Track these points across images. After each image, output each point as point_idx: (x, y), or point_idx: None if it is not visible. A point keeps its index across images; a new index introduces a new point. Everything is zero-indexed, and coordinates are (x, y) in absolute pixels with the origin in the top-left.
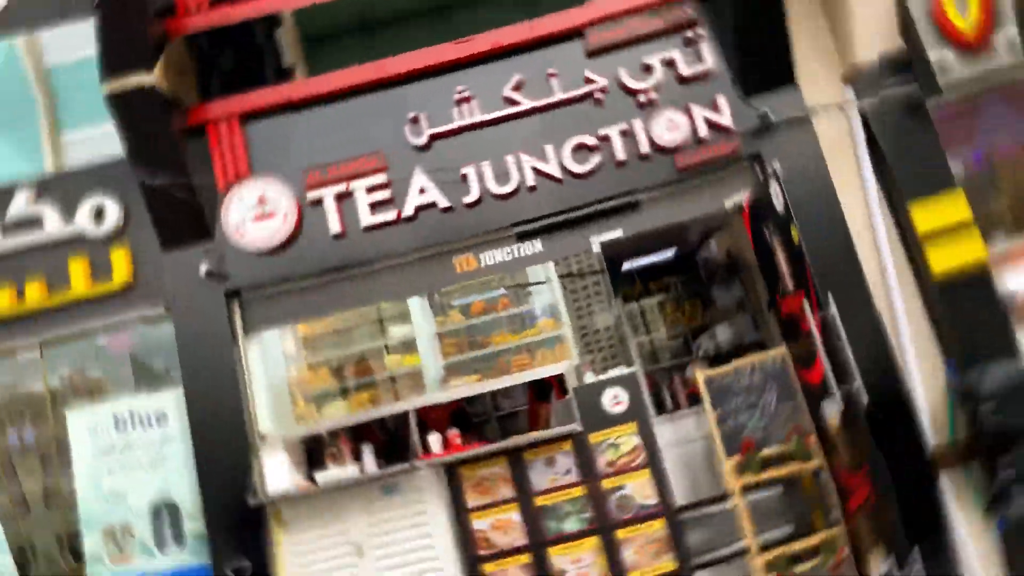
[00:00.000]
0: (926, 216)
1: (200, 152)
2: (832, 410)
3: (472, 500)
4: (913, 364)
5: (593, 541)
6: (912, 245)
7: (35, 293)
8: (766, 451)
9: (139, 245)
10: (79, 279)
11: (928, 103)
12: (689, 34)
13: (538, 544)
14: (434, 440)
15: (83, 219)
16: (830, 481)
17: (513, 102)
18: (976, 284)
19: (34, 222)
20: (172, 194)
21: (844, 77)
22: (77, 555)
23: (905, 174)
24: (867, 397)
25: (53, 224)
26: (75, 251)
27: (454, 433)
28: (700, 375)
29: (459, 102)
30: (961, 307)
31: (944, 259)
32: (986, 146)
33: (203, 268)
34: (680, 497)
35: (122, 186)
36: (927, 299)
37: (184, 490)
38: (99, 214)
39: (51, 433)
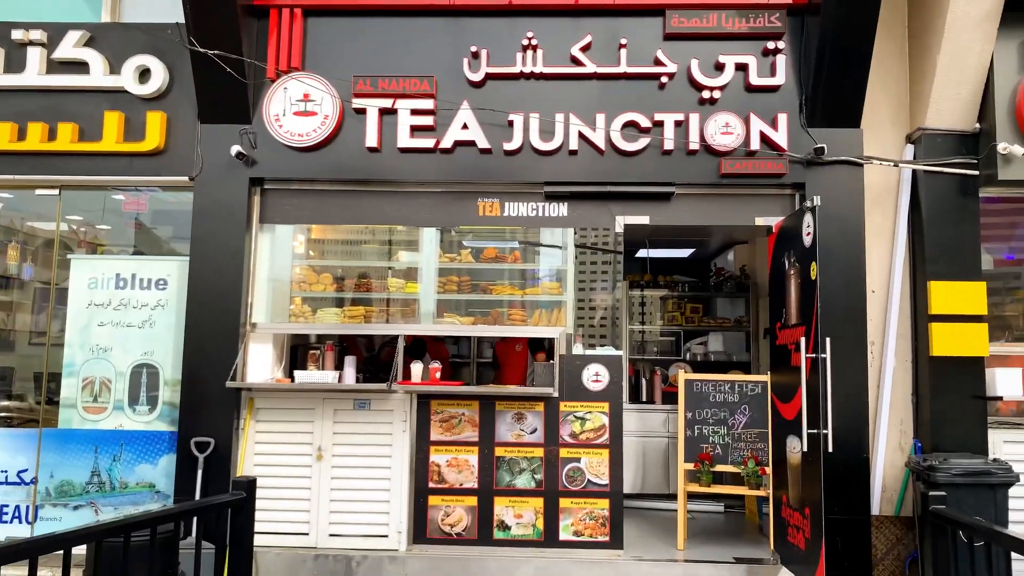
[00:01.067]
0: (943, 297)
1: (258, 34)
2: (796, 447)
3: (436, 434)
4: (884, 432)
5: (538, 502)
6: (920, 319)
7: (66, 136)
8: (721, 467)
9: (176, 113)
10: (111, 133)
11: (981, 190)
12: (770, 45)
13: (487, 491)
14: (416, 369)
15: (128, 75)
16: (770, 515)
17: (578, 62)
18: (967, 377)
19: (79, 66)
20: (221, 68)
21: (908, 137)
22: (49, 399)
23: (936, 250)
24: (832, 447)
25: (97, 73)
26: (113, 105)
27: (436, 367)
28: (683, 376)
29: (525, 48)
30: (946, 393)
31: (946, 344)
32: (1021, 249)
33: (235, 149)
34: (625, 485)
35: (172, 52)
36: (916, 375)
37: (167, 358)
38: (144, 74)
39: (50, 274)
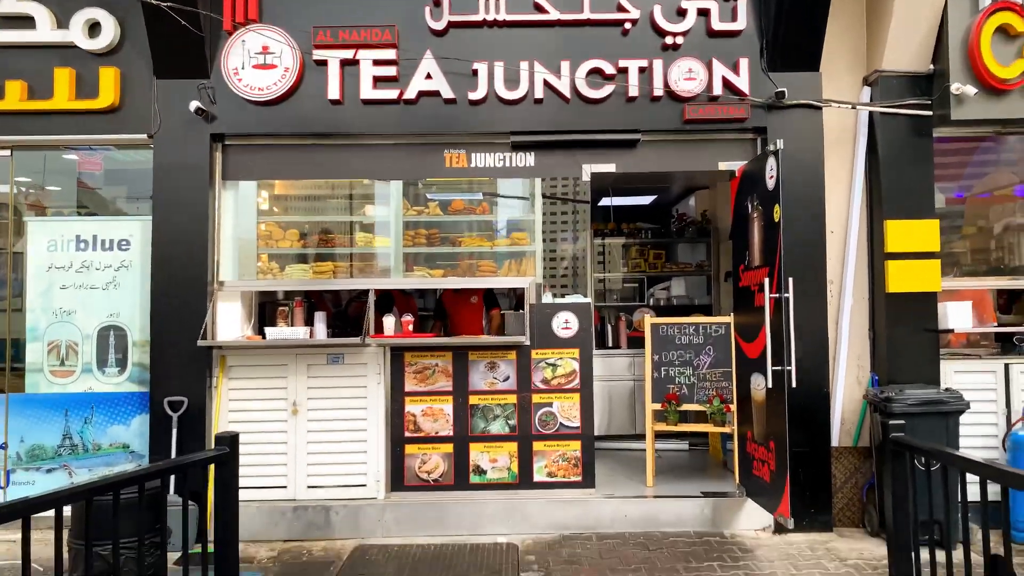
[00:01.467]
0: (898, 236)
1: None
2: (760, 384)
3: (411, 385)
4: (843, 366)
5: (513, 446)
6: (877, 257)
7: (14, 94)
8: (687, 406)
9: (130, 69)
10: (63, 90)
11: (935, 130)
12: None
13: (462, 438)
14: (388, 323)
15: (76, 29)
16: (735, 450)
17: (541, 8)
18: (920, 311)
19: (24, 20)
20: (175, 20)
21: (865, 80)
22: (13, 367)
23: (892, 190)
24: (795, 383)
25: (44, 28)
26: (63, 61)
27: (408, 319)
28: (649, 320)
29: None
30: (901, 328)
31: (901, 280)
32: (968, 187)
33: (193, 104)
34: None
35: (122, 4)
36: (873, 311)
37: (135, 319)
38: (94, 28)
39: (2, 239)
